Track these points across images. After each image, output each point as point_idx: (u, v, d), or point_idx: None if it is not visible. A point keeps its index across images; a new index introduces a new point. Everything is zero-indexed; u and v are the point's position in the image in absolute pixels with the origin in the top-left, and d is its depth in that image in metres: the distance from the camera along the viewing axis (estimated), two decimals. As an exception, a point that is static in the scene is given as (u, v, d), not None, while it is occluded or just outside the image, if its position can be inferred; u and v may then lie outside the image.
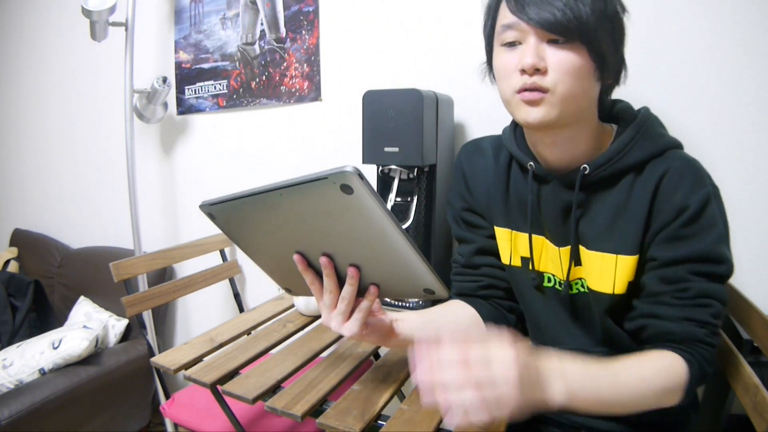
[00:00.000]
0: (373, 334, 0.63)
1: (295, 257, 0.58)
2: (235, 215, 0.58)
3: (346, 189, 0.46)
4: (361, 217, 0.48)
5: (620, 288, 0.68)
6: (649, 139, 0.66)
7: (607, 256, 0.68)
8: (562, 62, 0.61)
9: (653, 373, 0.60)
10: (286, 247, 0.58)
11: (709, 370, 0.63)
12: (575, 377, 0.54)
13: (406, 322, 0.68)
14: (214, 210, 0.58)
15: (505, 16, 0.64)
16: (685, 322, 0.62)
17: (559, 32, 0.60)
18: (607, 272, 0.68)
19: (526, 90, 0.63)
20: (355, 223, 0.50)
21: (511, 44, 0.64)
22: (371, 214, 0.48)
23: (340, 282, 0.58)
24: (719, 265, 0.62)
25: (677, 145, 0.68)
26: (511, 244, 0.79)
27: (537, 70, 0.61)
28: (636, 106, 0.73)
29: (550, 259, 0.75)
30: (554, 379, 0.52)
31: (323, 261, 0.56)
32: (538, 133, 0.69)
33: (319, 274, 0.59)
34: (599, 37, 0.61)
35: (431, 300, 0.57)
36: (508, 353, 0.46)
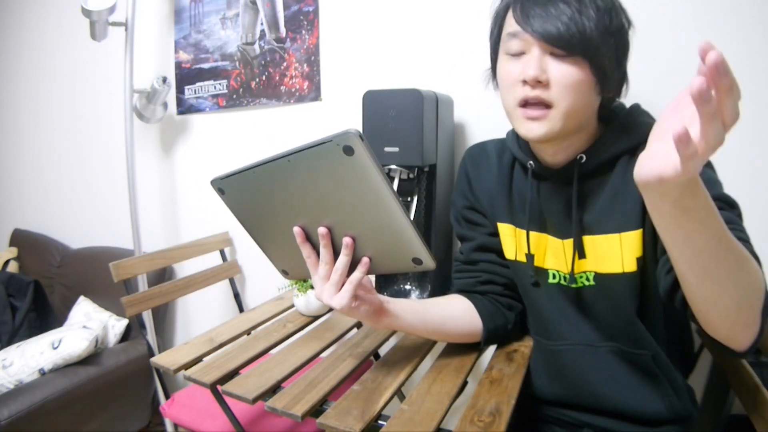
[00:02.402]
0: (363, 308, 0.65)
1: (295, 229, 0.61)
2: (244, 188, 0.61)
3: (348, 150, 0.49)
4: (360, 179, 0.51)
5: (630, 266, 0.68)
6: (639, 125, 0.69)
7: (611, 236, 0.69)
8: (563, 76, 0.62)
9: None
10: (288, 221, 0.61)
11: None
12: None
13: (398, 303, 0.71)
14: (224, 184, 0.61)
15: (511, 24, 0.65)
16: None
17: (561, 46, 0.60)
18: (614, 252, 0.69)
19: (528, 105, 0.64)
20: (354, 186, 0.52)
21: (516, 54, 0.65)
22: (369, 175, 0.51)
23: (335, 256, 0.61)
24: (733, 208, 0.61)
25: None
26: (515, 240, 0.80)
27: (539, 83, 0.62)
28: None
29: (554, 255, 0.76)
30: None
31: (322, 231, 0.59)
32: (540, 143, 0.71)
33: (315, 249, 0.62)
34: (601, 53, 0.61)
35: (420, 272, 0.60)
36: None
